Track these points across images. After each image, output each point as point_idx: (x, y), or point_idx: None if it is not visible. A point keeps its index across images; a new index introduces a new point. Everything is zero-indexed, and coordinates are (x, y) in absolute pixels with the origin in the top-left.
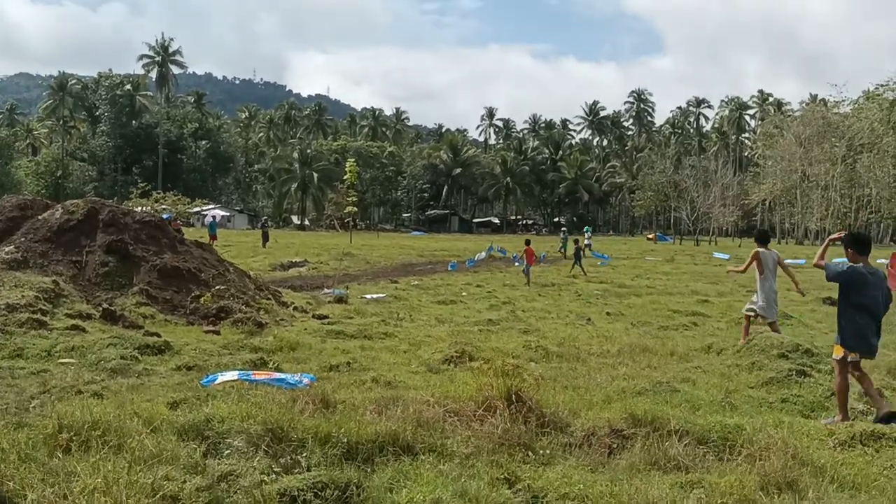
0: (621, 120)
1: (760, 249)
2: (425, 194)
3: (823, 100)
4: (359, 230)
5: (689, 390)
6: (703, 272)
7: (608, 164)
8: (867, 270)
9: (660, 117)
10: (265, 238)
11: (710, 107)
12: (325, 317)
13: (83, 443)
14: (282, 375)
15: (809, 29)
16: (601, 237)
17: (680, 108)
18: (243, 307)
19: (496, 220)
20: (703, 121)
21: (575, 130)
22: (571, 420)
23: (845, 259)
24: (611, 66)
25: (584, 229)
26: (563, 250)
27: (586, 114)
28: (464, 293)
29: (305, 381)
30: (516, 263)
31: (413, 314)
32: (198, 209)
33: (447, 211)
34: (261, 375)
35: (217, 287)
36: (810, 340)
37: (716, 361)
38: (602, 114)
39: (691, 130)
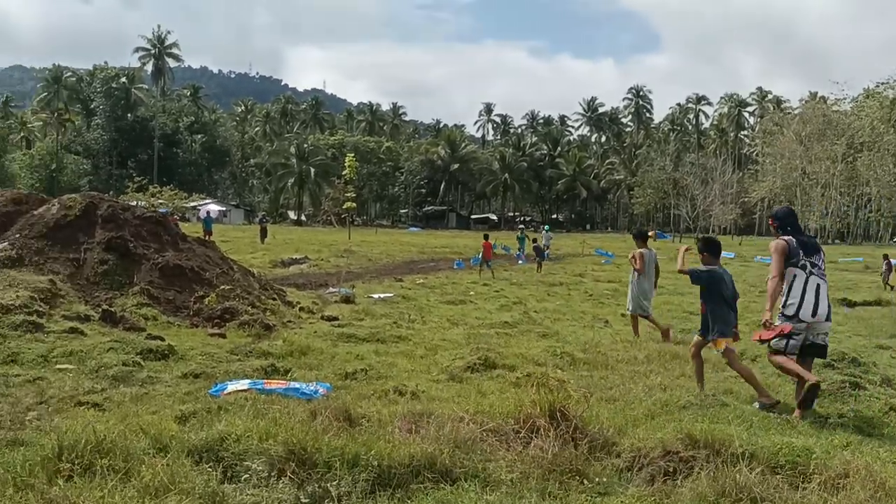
0: (620, 117)
1: (643, 250)
2: (423, 190)
3: (823, 97)
4: (356, 226)
5: (738, 404)
6: None
7: (607, 161)
8: (721, 270)
9: (657, 114)
10: (263, 234)
11: (709, 104)
12: (335, 318)
13: (87, 468)
14: (296, 385)
15: (808, 26)
16: (599, 235)
17: (679, 104)
18: (249, 308)
19: (494, 217)
20: (702, 118)
21: (573, 127)
22: (618, 439)
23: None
24: (607, 63)
25: (544, 228)
26: (521, 251)
27: (584, 110)
28: (472, 292)
29: (321, 390)
30: (520, 262)
31: (424, 315)
32: (194, 204)
33: (445, 207)
34: (273, 385)
35: (222, 287)
36: (839, 346)
37: (754, 370)
38: (600, 110)
39: (690, 127)
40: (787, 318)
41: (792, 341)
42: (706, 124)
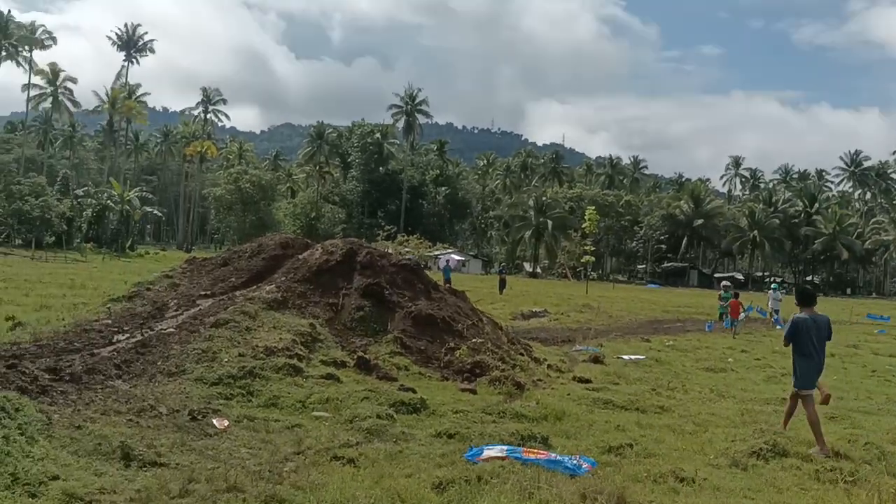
0: (889, 171)
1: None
2: (662, 246)
3: None
4: (591, 280)
5: None
6: None
7: (872, 220)
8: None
9: None
10: (502, 284)
11: None
12: (588, 381)
13: None
14: (558, 457)
15: None
16: (863, 300)
17: None
18: (499, 363)
19: (740, 276)
20: None
21: (832, 182)
22: None
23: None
24: (871, 114)
25: (772, 286)
26: (724, 314)
27: (847, 164)
28: (730, 359)
29: (585, 465)
30: (778, 327)
31: (683, 383)
32: (438, 253)
33: (685, 264)
34: (532, 455)
35: (473, 340)
36: None
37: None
38: (865, 164)
39: None
40: None
41: None
42: None
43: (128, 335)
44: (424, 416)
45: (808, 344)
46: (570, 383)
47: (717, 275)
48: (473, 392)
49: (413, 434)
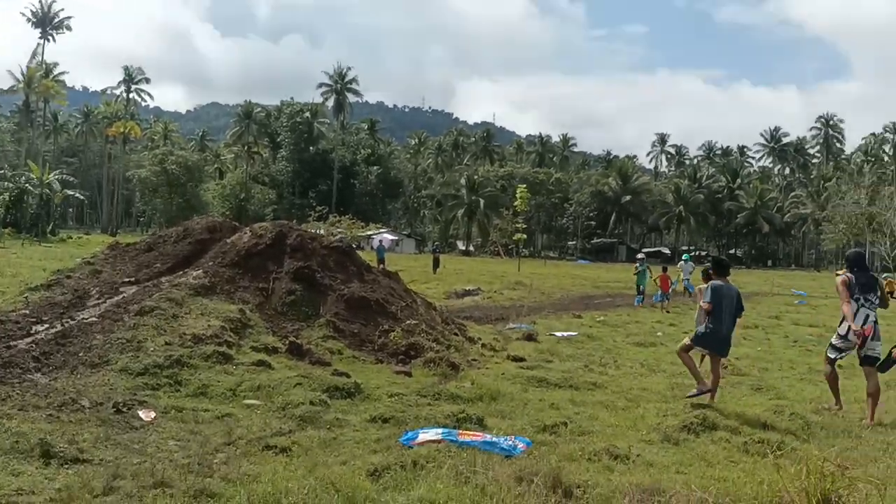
0: (806, 147)
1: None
2: (592, 222)
3: None
4: (523, 257)
5: None
6: None
7: (791, 194)
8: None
9: (849, 145)
10: (436, 263)
11: None
12: (522, 359)
13: None
14: (493, 438)
15: None
16: (782, 271)
17: (874, 134)
18: (434, 344)
19: (667, 251)
20: None
21: (753, 158)
22: None
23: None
24: (790, 91)
25: (683, 258)
26: (641, 287)
27: (767, 140)
28: (658, 333)
29: (521, 446)
30: (690, 291)
31: (615, 359)
32: (371, 233)
33: (614, 240)
34: (468, 437)
35: (408, 322)
36: None
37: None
38: (784, 140)
39: (887, 159)
40: (840, 337)
41: (841, 354)
42: None
43: (47, 326)
44: (359, 401)
45: (722, 308)
46: (504, 362)
47: (644, 249)
48: (408, 374)
49: (347, 420)
